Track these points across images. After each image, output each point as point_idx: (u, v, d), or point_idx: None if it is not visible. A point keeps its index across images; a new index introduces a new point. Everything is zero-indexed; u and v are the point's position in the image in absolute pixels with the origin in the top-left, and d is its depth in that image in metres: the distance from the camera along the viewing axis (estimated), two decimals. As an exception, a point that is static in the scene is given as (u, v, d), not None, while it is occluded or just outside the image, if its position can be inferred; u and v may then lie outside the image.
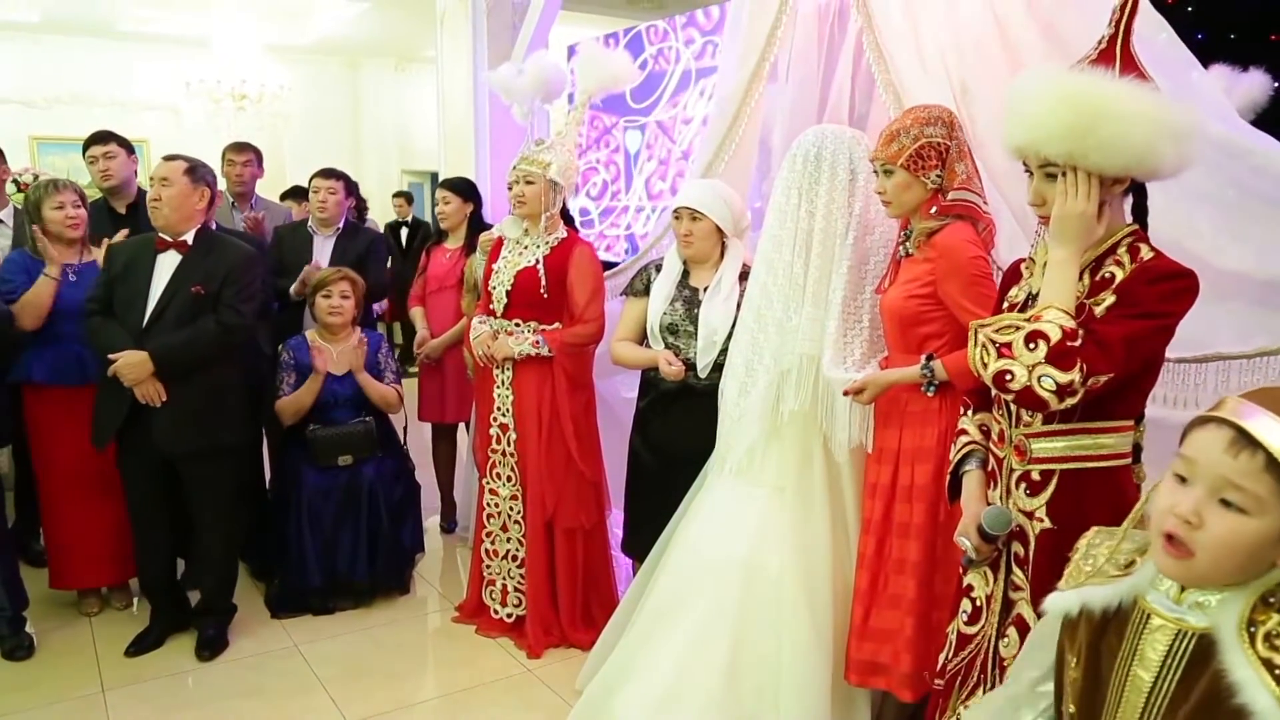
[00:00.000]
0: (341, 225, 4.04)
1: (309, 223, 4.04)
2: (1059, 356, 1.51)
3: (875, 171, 2.25)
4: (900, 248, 2.30)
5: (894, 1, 2.64)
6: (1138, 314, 1.54)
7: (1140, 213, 1.70)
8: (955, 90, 2.50)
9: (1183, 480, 1.09)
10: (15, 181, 4.67)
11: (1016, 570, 1.76)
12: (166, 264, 3.02)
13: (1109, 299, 1.58)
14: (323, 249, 3.98)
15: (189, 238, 3.05)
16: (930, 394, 2.20)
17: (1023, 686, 1.37)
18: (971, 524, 1.78)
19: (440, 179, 4.29)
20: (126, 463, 3.12)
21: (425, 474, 4.21)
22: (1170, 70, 1.75)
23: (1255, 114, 3.06)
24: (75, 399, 3.17)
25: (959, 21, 2.55)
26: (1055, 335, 1.52)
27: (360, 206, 7.33)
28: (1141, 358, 1.59)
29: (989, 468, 1.84)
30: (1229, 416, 1.06)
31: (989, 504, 1.79)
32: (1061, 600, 1.25)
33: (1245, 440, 1.04)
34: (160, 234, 3.04)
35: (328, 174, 4.05)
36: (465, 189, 4.14)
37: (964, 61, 2.53)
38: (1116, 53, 1.62)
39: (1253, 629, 1.05)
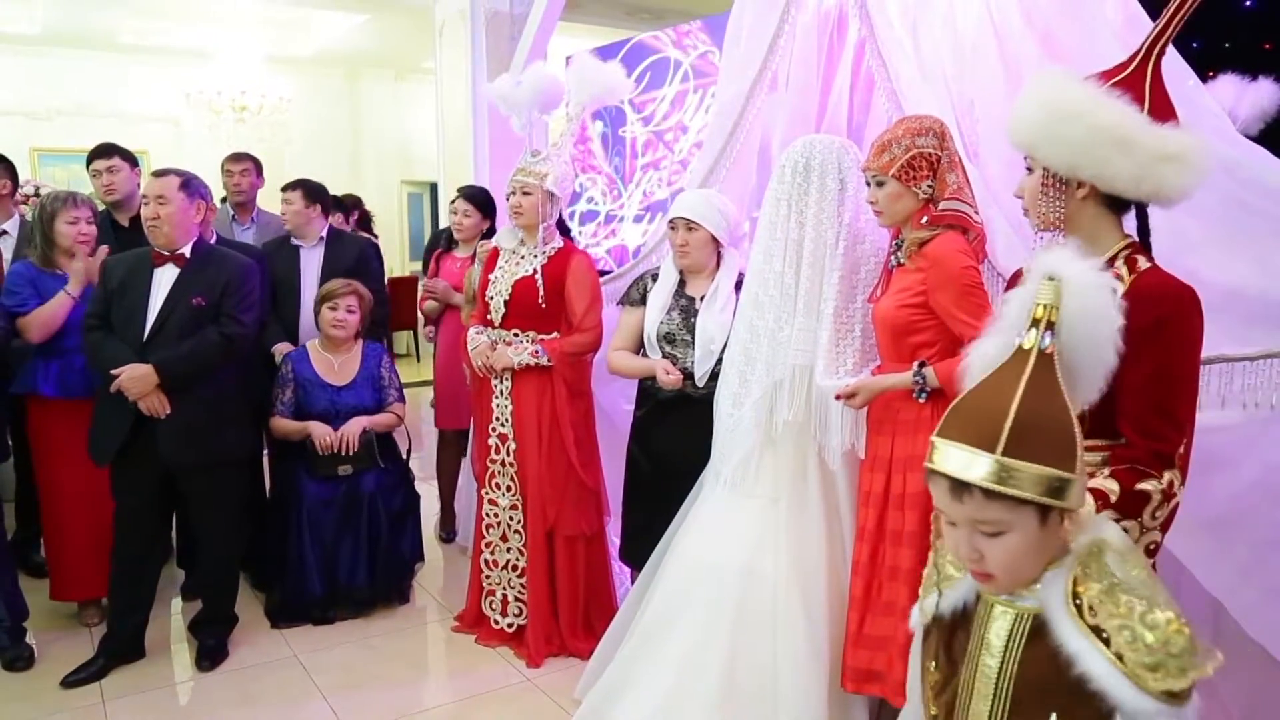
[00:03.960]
0: (325, 235, 3.96)
1: (290, 237, 3.97)
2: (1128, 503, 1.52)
3: (867, 182, 2.27)
4: (892, 257, 2.32)
5: (894, 10, 2.66)
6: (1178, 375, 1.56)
7: (1143, 233, 1.71)
8: (954, 99, 2.52)
9: (952, 523, 1.19)
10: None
11: None
12: (165, 278, 3.03)
13: None
14: (310, 260, 3.91)
15: (186, 251, 3.06)
16: (922, 400, 2.22)
17: (915, 703, 1.42)
18: None
19: (460, 188, 4.20)
20: (122, 480, 3.06)
21: (425, 483, 4.22)
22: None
23: (1265, 123, 3.07)
24: (80, 412, 3.16)
25: (958, 31, 2.56)
26: (1114, 490, 1.51)
27: (363, 217, 7.30)
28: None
29: None
30: (935, 466, 1.16)
31: None
32: (914, 612, 1.37)
33: (959, 485, 1.13)
34: (157, 249, 3.04)
35: (285, 186, 3.99)
36: (487, 205, 4.13)
37: (963, 71, 2.54)
38: (1149, 68, 1.64)
39: (1078, 601, 1.14)
